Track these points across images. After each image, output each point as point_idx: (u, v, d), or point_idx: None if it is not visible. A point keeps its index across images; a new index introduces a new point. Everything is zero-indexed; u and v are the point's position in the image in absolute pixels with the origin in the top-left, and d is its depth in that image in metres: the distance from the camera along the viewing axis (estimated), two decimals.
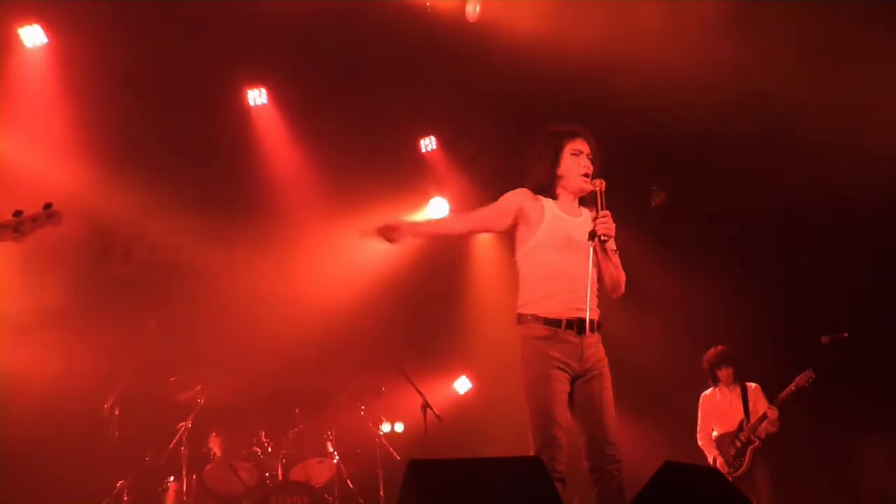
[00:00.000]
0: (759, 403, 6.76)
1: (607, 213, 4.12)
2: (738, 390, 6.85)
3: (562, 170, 4.27)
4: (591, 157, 4.28)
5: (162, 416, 6.87)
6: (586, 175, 4.24)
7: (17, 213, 4.03)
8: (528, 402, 4.03)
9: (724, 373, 6.90)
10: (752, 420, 6.66)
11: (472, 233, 4.42)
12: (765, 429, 6.59)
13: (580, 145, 4.28)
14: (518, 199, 4.25)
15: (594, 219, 4.14)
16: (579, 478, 4.09)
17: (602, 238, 4.10)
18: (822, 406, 7.10)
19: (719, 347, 6.98)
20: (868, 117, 6.78)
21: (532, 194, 4.26)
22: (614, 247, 4.21)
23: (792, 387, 6.59)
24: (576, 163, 4.26)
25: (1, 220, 4.03)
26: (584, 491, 4.10)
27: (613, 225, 4.12)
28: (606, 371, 4.14)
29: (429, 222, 4.29)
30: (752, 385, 6.89)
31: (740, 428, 6.70)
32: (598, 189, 4.17)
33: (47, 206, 4.09)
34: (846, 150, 6.90)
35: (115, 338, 7.09)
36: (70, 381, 6.79)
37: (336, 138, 8.16)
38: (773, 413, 6.57)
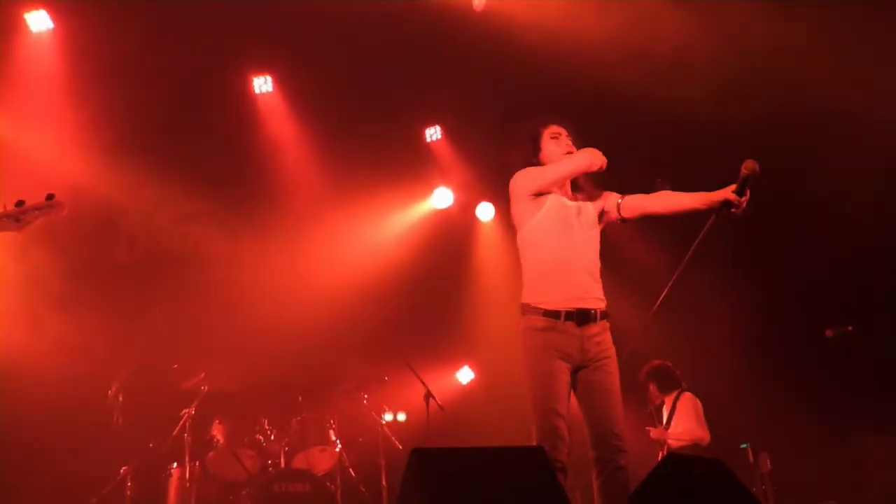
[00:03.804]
0: (683, 414, 6.61)
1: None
2: (668, 403, 6.75)
3: (545, 155, 4.28)
4: (570, 137, 4.29)
5: (165, 402, 6.88)
6: (570, 153, 4.25)
7: (20, 203, 4.03)
8: (531, 393, 4.02)
9: (651, 388, 6.86)
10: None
11: None
12: (668, 447, 6.50)
13: (557, 129, 4.31)
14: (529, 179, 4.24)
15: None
16: (582, 468, 4.09)
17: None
18: (826, 400, 7.08)
19: (646, 366, 6.90)
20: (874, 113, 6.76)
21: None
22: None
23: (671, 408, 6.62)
24: (557, 145, 4.27)
25: (3, 210, 4.03)
26: (586, 481, 4.09)
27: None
28: (612, 361, 4.10)
29: None
30: (686, 395, 6.70)
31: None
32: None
33: (49, 196, 4.09)
34: (850, 146, 6.88)
35: (119, 325, 7.10)
36: (74, 368, 6.79)
37: (341, 127, 8.15)
38: (655, 434, 6.54)
